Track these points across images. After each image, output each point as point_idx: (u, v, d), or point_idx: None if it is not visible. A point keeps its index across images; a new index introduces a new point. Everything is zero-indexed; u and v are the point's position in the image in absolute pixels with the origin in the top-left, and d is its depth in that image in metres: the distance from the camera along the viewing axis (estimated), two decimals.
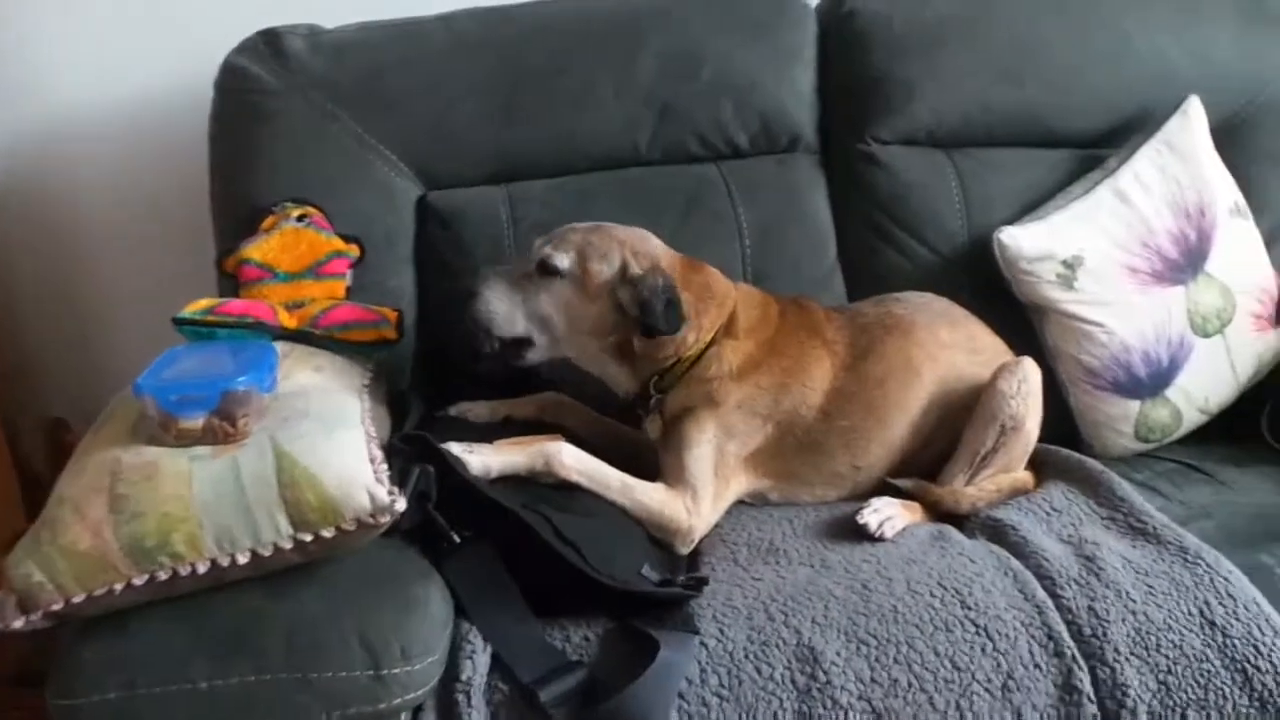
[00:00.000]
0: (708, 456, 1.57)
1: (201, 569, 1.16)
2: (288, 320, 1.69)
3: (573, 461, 1.50)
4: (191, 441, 1.28)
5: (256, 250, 1.77)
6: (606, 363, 1.66)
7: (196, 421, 1.29)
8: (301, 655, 1.17)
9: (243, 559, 1.17)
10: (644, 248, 1.62)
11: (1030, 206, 1.98)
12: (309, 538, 1.18)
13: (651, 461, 1.63)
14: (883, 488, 1.68)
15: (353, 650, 1.18)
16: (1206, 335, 1.92)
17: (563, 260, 1.60)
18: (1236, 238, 1.96)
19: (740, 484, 1.63)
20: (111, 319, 2.33)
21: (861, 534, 1.56)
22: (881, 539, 1.56)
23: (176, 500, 1.17)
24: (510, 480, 1.48)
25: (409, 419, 1.64)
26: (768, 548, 1.56)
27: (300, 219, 1.80)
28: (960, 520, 1.66)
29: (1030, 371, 1.66)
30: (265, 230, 1.80)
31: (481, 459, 1.46)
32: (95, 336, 2.35)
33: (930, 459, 1.71)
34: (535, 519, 1.37)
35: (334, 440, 1.27)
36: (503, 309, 1.62)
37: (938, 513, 1.66)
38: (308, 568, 1.22)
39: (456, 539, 1.37)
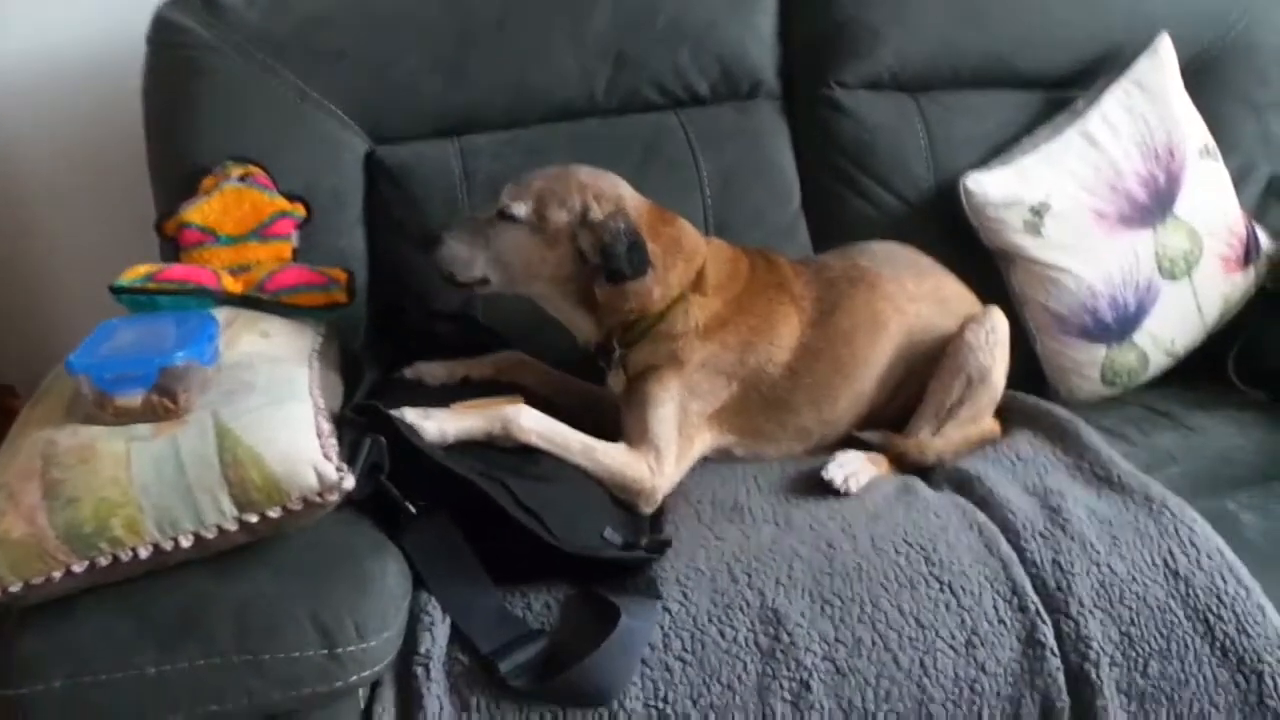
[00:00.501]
0: (671, 416, 1.54)
1: (143, 553, 1.12)
2: (232, 285, 1.63)
3: (531, 424, 1.46)
4: (131, 420, 1.24)
5: (197, 213, 1.70)
6: (569, 309, 1.62)
7: (134, 399, 1.24)
8: (252, 637, 1.14)
9: (186, 542, 1.13)
10: (609, 192, 1.56)
11: (998, 150, 1.94)
12: (254, 518, 1.14)
13: (615, 419, 1.60)
14: (849, 441, 1.66)
15: (305, 629, 1.15)
16: (1174, 278, 1.89)
17: (520, 208, 1.55)
18: (1205, 179, 1.93)
19: (705, 441, 1.60)
20: (57, 283, 2.25)
21: (827, 489, 1.55)
22: (847, 494, 1.54)
23: (114, 484, 1.12)
24: (468, 446, 1.44)
25: (362, 384, 1.61)
26: (732, 505, 1.54)
27: (242, 178, 1.73)
28: (927, 472, 1.65)
29: (998, 322, 1.63)
30: (205, 192, 1.73)
31: (437, 425, 1.43)
32: (41, 301, 2.27)
33: (897, 411, 1.69)
34: (493, 487, 1.34)
35: (280, 414, 1.23)
36: (463, 255, 1.58)
37: (904, 465, 1.65)
38: (257, 546, 1.18)
39: (412, 509, 1.34)
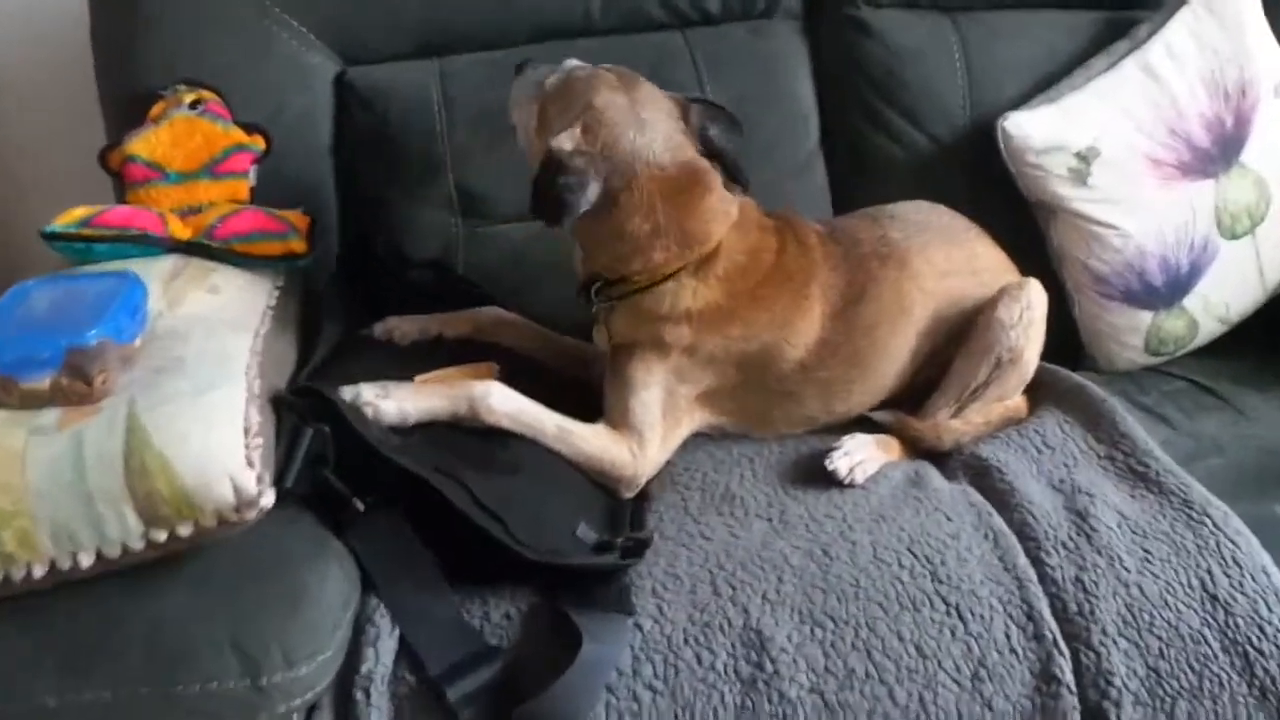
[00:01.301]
0: (655, 400, 1.38)
1: (39, 572, 1.00)
2: (179, 230, 1.46)
3: (501, 405, 1.32)
4: (40, 404, 1.10)
5: (143, 144, 1.52)
6: (572, 236, 1.44)
7: (41, 383, 1.10)
8: (164, 665, 1.02)
9: (87, 560, 1.00)
10: (614, 130, 1.31)
11: (1045, 83, 1.72)
12: (163, 535, 1.01)
13: (598, 373, 1.47)
14: (858, 419, 1.50)
15: (225, 657, 1.03)
16: (1235, 237, 1.69)
17: (550, 81, 1.40)
18: (1278, 122, 1.70)
19: (693, 422, 1.45)
20: (9, 227, 2.09)
21: (830, 477, 1.40)
22: (852, 485, 1.39)
23: (6, 490, 0.99)
24: (428, 428, 1.30)
25: (321, 342, 1.46)
26: (723, 494, 1.40)
27: (194, 105, 1.55)
28: (941, 457, 1.49)
29: (1035, 297, 1.45)
30: (154, 120, 1.55)
31: (397, 404, 1.28)
32: None
33: (915, 387, 1.52)
34: (450, 486, 1.20)
35: (202, 405, 1.08)
36: (515, 95, 1.46)
37: (918, 448, 1.49)
38: (173, 559, 1.05)
39: (360, 506, 1.20)
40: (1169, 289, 1.67)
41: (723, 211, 1.36)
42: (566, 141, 1.31)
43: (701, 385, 1.41)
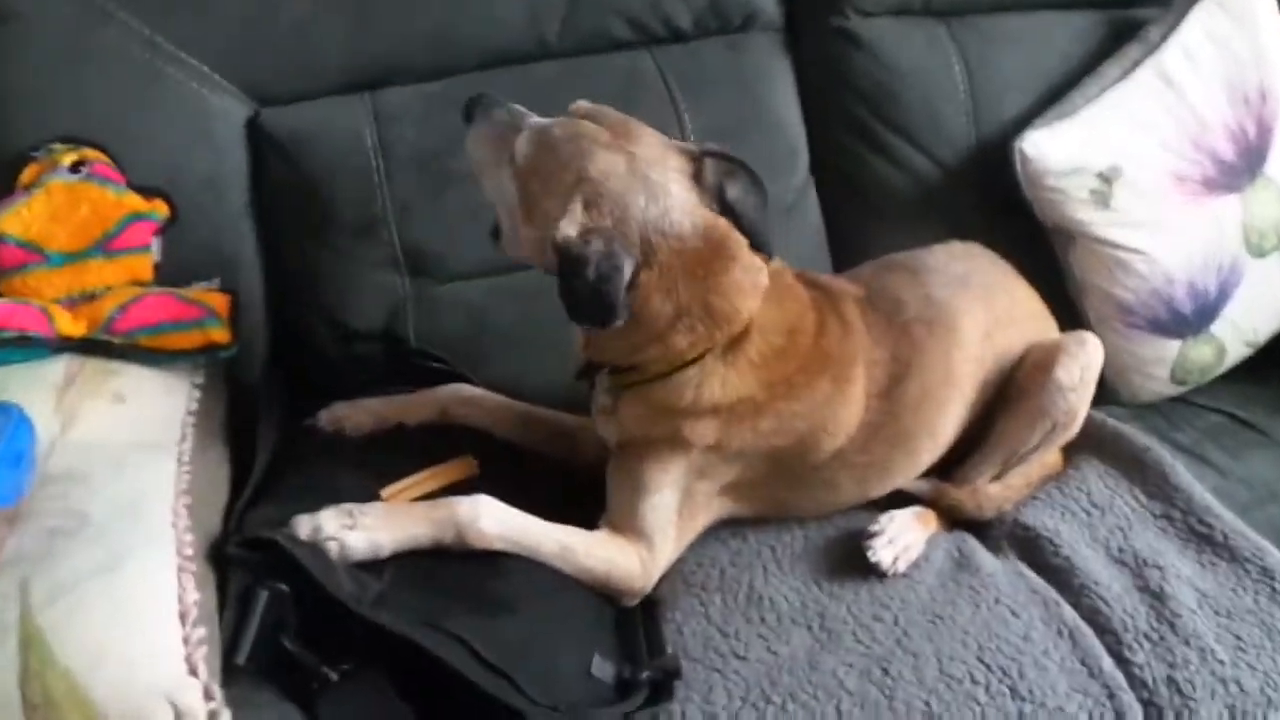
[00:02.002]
0: (670, 503, 1.18)
1: None
2: (69, 325, 1.21)
3: (495, 528, 1.10)
4: None
5: (14, 220, 1.26)
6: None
7: None
8: None
9: None
10: (619, 202, 1.08)
11: (1052, 94, 1.56)
12: None
13: (596, 458, 1.26)
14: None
15: None
16: (1262, 255, 1.56)
17: (521, 150, 1.14)
18: None
19: (711, 516, 1.25)
20: None
21: (864, 563, 1.22)
22: (893, 575, 1.22)
23: None
24: (404, 558, 1.08)
25: (259, 452, 1.21)
26: (747, 594, 1.21)
27: (75, 168, 1.29)
28: (982, 526, 1.33)
29: (1094, 356, 1.28)
30: (25, 188, 1.28)
31: (367, 536, 1.06)
32: None
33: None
34: (445, 644, 0.98)
35: (118, 591, 0.84)
36: (479, 155, 1.20)
37: (953, 518, 1.32)
38: None
39: (333, 676, 0.98)
40: (1197, 316, 1.54)
41: (751, 283, 1.14)
42: (570, 228, 1.07)
43: (724, 481, 1.21)
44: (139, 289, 1.27)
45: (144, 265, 1.30)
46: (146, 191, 1.31)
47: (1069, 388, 1.25)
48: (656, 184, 1.10)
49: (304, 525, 1.04)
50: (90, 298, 1.26)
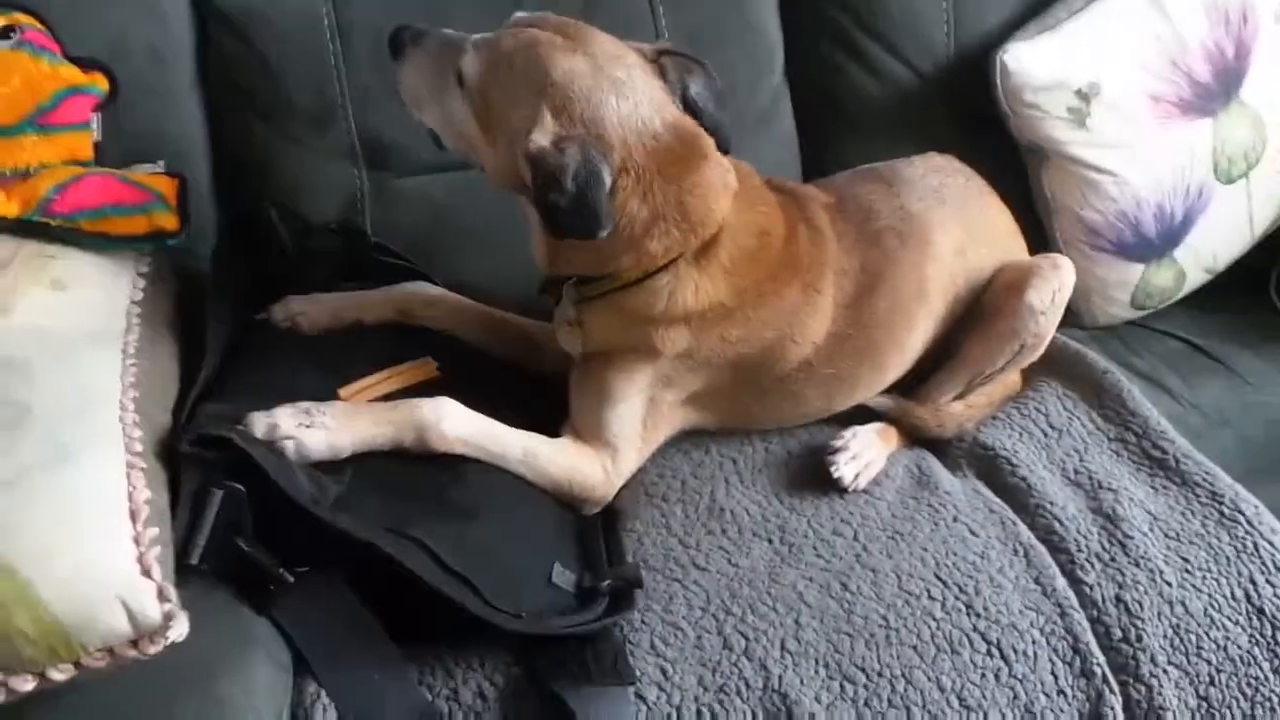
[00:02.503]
0: (635, 411, 1.16)
1: None
2: (2, 205, 1.13)
3: (457, 431, 1.07)
4: None
5: None
6: (521, 208, 1.16)
7: None
8: None
9: None
10: (589, 105, 1.04)
11: (1034, 5, 1.51)
12: (28, 684, 0.74)
13: (558, 366, 1.24)
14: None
15: None
16: (1230, 181, 1.56)
17: (469, 70, 1.09)
18: (1278, 52, 1.55)
19: (675, 425, 1.24)
20: None
21: (825, 478, 1.22)
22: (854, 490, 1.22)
23: None
24: (363, 459, 1.05)
25: (209, 346, 1.16)
26: (708, 506, 1.21)
27: (5, 34, 1.19)
28: (941, 443, 1.33)
29: (1067, 279, 1.28)
30: None
31: (326, 436, 1.03)
32: None
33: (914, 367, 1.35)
34: (407, 549, 0.96)
35: (65, 488, 0.80)
36: (416, 89, 1.16)
37: (916, 435, 1.32)
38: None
39: (289, 577, 0.95)
40: (1162, 240, 1.54)
41: (723, 183, 1.11)
42: (542, 138, 1.02)
43: (689, 390, 1.20)
44: (78, 169, 1.19)
45: (83, 143, 1.22)
46: (85, 64, 1.23)
47: (1040, 310, 1.25)
48: (624, 82, 1.05)
49: (259, 423, 1.01)
50: (24, 176, 1.18)
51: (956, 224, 1.27)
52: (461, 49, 1.10)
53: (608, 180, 1.02)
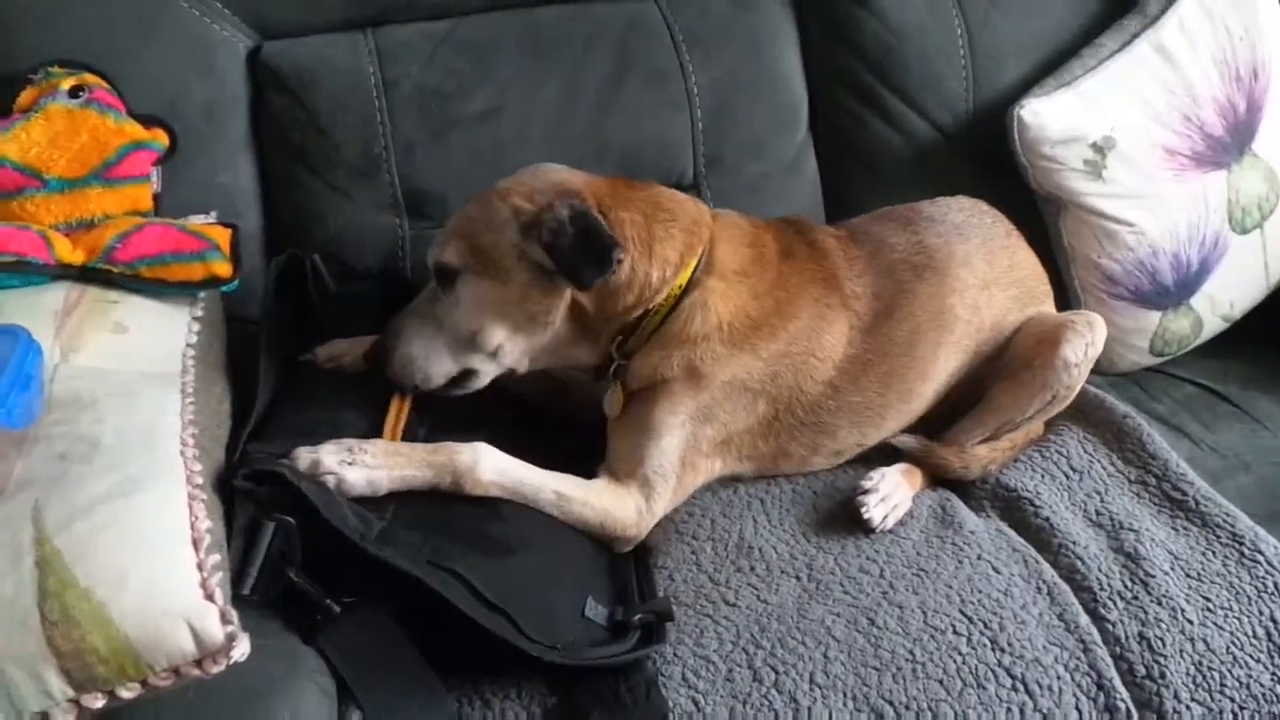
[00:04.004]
0: (675, 447, 1.20)
1: None
2: (68, 253, 1.19)
3: (492, 476, 1.12)
4: None
5: (12, 143, 1.24)
6: (564, 349, 1.23)
7: None
8: None
9: None
10: (539, 182, 1.18)
11: (1052, 63, 1.58)
12: (99, 700, 0.78)
13: (590, 406, 1.28)
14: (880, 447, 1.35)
15: None
16: (1244, 231, 1.59)
17: (450, 254, 1.18)
18: None
19: (710, 471, 1.28)
20: None
21: (852, 518, 1.25)
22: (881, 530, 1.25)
23: None
24: (405, 496, 1.09)
25: (260, 386, 1.21)
26: (737, 544, 1.24)
27: (75, 93, 1.27)
28: (964, 484, 1.36)
29: (1100, 337, 1.32)
30: (23, 111, 1.26)
31: (366, 474, 1.08)
32: None
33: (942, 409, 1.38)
34: (448, 583, 1.00)
35: (134, 517, 0.85)
36: (423, 352, 1.20)
37: (939, 476, 1.36)
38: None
39: (336, 608, 0.99)
40: (1179, 288, 1.57)
41: (670, 191, 1.26)
42: (522, 202, 1.16)
43: (728, 428, 1.24)
44: (139, 219, 1.26)
45: (144, 195, 1.29)
46: (146, 120, 1.30)
47: (1074, 364, 1.29)
48: (539, 169, 1.21)
49: (304, 458, 1.06)
50: (89, 226, 1.24)
51: (980, 259, 1.32)
52: (431, 292, 1.21)
53: (595, 213, 1.14)
